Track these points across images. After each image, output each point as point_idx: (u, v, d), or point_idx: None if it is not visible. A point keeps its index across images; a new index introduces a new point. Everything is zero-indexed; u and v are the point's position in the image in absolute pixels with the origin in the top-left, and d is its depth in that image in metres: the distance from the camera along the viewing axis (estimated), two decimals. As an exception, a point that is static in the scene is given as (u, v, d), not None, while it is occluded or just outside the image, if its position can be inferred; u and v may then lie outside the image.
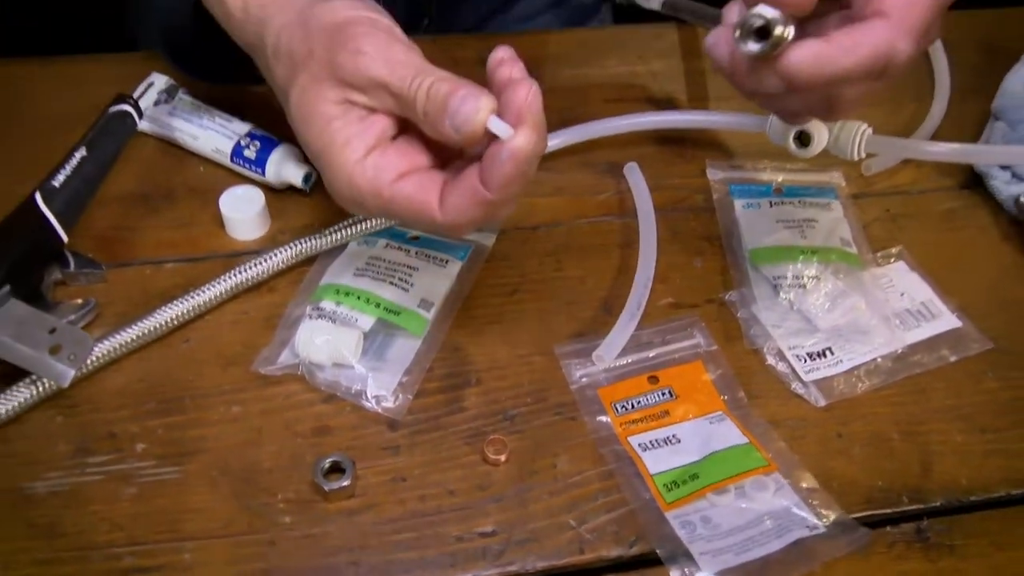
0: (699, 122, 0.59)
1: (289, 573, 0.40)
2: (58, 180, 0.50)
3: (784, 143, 0.53)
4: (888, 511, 0.44)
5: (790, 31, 0.40)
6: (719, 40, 0.44)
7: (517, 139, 0.38)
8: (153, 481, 0.43)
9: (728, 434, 0.46)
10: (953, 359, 0.50)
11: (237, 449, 0.44)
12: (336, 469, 0.43)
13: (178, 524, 0.41)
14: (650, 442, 0.46)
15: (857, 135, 0.52)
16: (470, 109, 0.38)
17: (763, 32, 0.40)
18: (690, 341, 0.50)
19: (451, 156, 0.43)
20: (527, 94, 0.38)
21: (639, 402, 0.48)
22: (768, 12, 0.40)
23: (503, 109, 0.38)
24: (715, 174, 0.59)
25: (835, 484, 0.44)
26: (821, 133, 0.52)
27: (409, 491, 0.43)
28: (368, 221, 0.52)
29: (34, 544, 0.40)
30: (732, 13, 0.45)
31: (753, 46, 0.40)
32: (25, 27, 0.80)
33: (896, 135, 0.61)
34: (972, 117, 0.65)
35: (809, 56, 0.39)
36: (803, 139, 0.53)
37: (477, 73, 0.40)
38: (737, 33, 0.40)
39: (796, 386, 0.48)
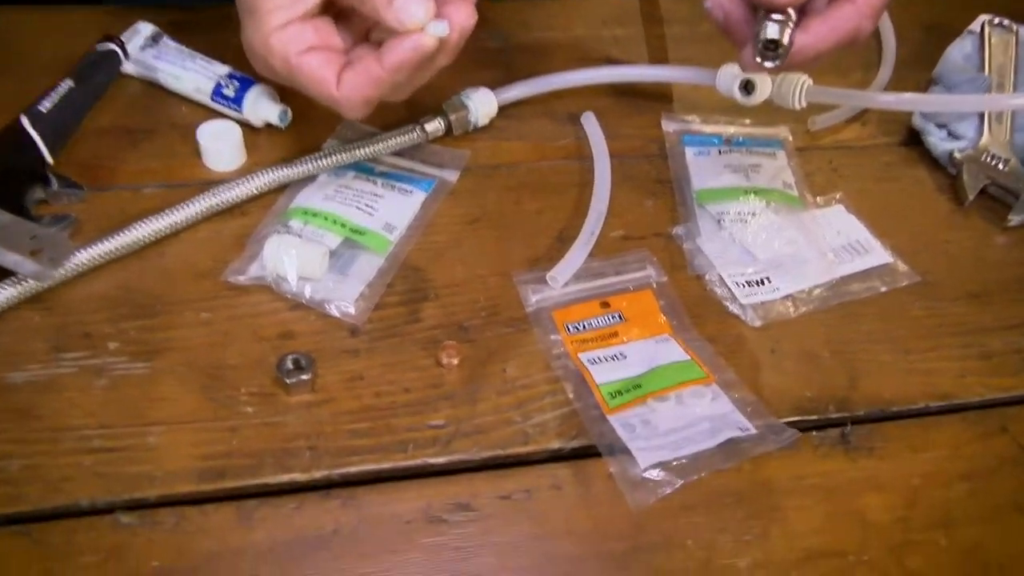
0: (652, 76, 0.63)
1: (248, 455, 0.43)
2: (44, 106, 0.53)
3: (730, 92, 0.57)
4: (815, 418, 0.47)
5: (788, 37, 0.49)
6: (715, 4, 0.51)
7: (424, 37, 0.45)
8: (124, 374, 0.45)
9: (671, 352, 0.49)
10: (883, 289, 0.54)
11: (204, 349, 0.47)
12: (297, 366, 0.46)
13: (145, 412, 0.44)
14: (598, 358, 0.49)
15: (798, 85, 0.55)
16: (417, 10, 0.44)
17: (771, 44, 0.49)
18: (642, 272, 0.53)
19: (358, 42, 0.50)
20: (467, 17, 0.46)
21: (590, 324, 0.51)
22: (774, 33, 0.48)
23: (438, 14, 0.45)
24: (669, 125, 0.63)
25: (766, 393, 0.48)
26: (765, 83, 0.56)
27: (366, 388, 0.46)
28: (338, 155, 0.55)
29: (11, 425, 0.43)
30: None
31: (770, 64, 0.50)
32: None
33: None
34: (913, 86, 0.68)
35: (797, 46, 0.49)
36: (748, 88, 0.56)
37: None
38: (758, 57, 0.49)
39: (734, 308, 0.51)
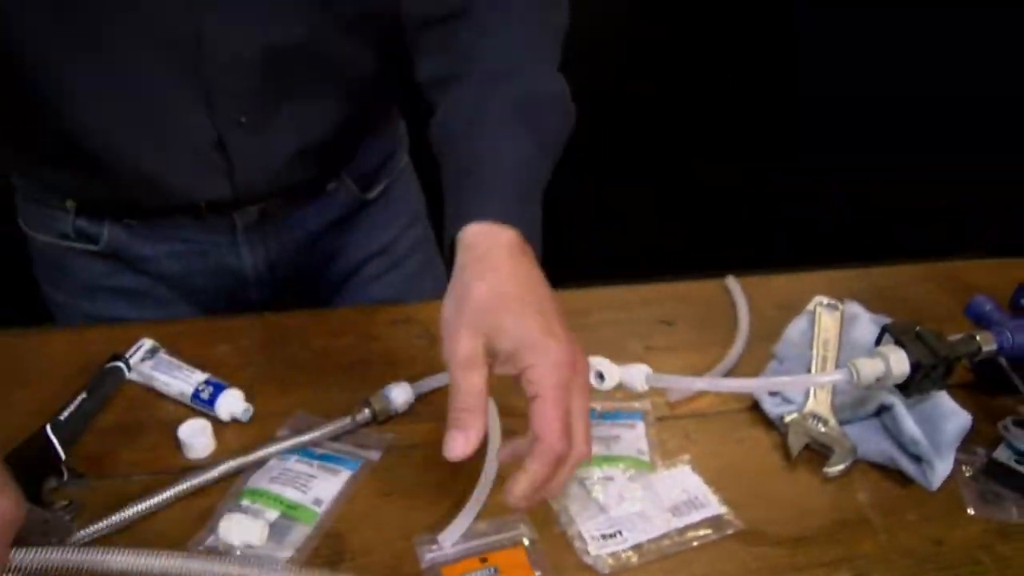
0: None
1: None
2: (64, 415, 0.70)
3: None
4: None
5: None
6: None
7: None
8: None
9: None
10: (715, 537, 0.67)
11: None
12: (235, 621, 0.59)
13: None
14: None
15: (640, 374, 0.72)
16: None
17: None
18: (516, 531, 0.67)
19: None
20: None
21: (471, 576, 0.64)
22: None
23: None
24: (554, 403, 0.79)
25: (608, 632, 0.60)
26: (612, 373, 0.73)
27: (287, 638, 0.59)
28: (282, 443, 0.71)
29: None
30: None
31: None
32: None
33: (701, 372, 0.81)
34: (764, 357, 0.85)
35: (525, 485, 0.57)
36: (601, 376, 0.73)
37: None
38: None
39: (587, 559, 0.65)
